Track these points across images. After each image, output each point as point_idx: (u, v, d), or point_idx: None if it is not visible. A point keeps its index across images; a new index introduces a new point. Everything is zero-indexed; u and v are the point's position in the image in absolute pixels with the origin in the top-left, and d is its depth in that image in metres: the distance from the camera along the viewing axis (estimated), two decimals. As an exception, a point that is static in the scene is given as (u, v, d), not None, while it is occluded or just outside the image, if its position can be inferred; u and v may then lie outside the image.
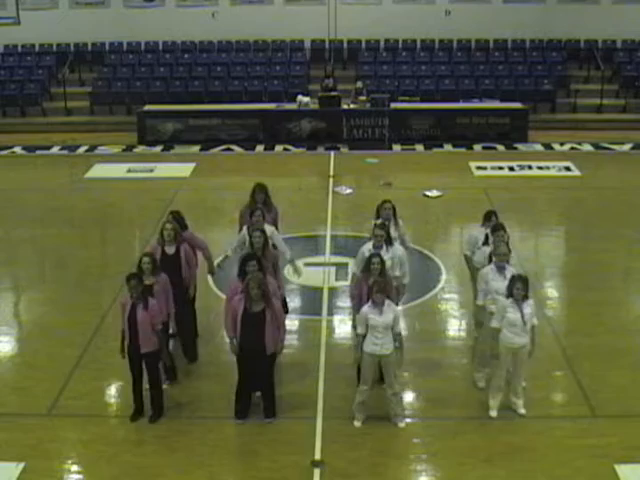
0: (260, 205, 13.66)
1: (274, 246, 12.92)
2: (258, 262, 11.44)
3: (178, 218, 13.03)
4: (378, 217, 13.36)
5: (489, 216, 13.22)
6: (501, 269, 11.79)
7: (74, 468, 10.52)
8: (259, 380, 11.28)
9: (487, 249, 12.51)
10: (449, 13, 31.04)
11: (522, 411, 11.42)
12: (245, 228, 13.17)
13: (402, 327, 11.02)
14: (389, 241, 12.41)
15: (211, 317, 14.60)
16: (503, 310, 11.05)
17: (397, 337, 11.05)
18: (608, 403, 11.71)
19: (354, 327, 11.94)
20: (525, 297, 11.04)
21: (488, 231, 12.78)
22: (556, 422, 11.37)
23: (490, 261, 12.10)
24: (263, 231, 12.42)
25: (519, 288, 10.98)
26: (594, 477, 10.17)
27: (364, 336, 10.93)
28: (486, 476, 10.25)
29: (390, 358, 11.01)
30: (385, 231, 12.41)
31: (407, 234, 13.79)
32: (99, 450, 10.77)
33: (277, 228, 13.95)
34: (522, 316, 10.98)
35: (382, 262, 11.51)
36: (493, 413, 11.41)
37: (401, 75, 30.07)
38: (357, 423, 11.26)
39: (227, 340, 11.48)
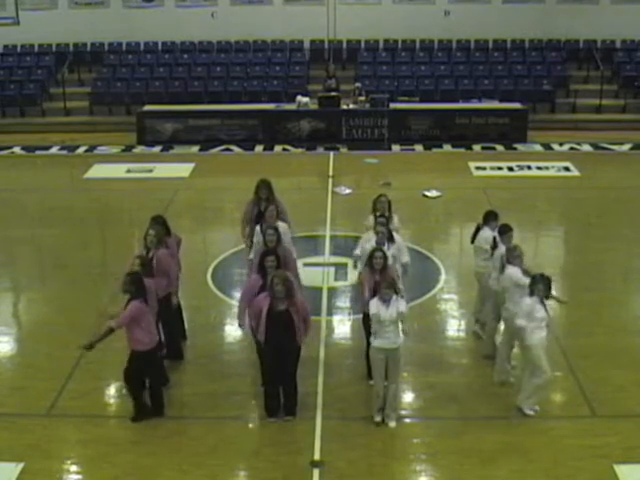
0: (265, 201, 13.75)
1: None
2: (276, 258, 11.60)
3: (161, 223, 13.00)
4: (374, 211, 13.42)
5: (494, 216, 13.24)
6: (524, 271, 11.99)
7: (73, 468, 10.51)
8: (284, 375, 11.32)
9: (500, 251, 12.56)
10: (448, 13, 31.04)
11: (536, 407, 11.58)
12: (258, 227, 13.25)
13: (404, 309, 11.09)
14: (391, 237, 12.54)
15: (211, 317, 14.63)
16: (532, 309, 11.10)
17: (401, 316, 11.05)
18: (607, 403, 11.72)
19: (365, 326, 12.02)
20: (547, 297, 11.17)
21: (496, 234, 12.81)
22: (555, 422, 11.39)
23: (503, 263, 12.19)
24: (276, 229, 12.54)
25: (541, 289, 11.06)
26: (593, 477, 10.16)
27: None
28: (486, 476, 10.25)
29: (397, 353, 11.07)
30: (387, 228, 12.53)
31: (400, 230, 13.82)
32: (98, 450, 10.77)
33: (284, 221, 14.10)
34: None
35: (385, 256, 11.60)
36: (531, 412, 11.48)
37: (400, 75, 30.05)
38: (377, 418, 11.28)
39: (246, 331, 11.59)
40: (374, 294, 11.23)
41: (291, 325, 11.00)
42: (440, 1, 31.15)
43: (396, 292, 11.09)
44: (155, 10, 31.38)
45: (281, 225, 13.23)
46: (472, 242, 13.45)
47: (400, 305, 10.97)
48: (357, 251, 13.07)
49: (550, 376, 11.41)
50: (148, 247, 12.37)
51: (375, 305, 10.97)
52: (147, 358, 11.19)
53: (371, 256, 11.71)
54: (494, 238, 12.78)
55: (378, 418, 11.30)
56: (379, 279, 11.36)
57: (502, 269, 12.09)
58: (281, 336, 11.00)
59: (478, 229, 13.29)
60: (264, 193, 13.99)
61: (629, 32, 30.96)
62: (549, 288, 11.12)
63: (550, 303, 11.50)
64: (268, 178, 14.45)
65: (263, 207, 13.73)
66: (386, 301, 10.91)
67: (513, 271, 11.91)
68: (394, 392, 11.27)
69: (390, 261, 12.00)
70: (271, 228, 12.52)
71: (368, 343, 11.57)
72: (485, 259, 13.04)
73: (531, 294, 11.13)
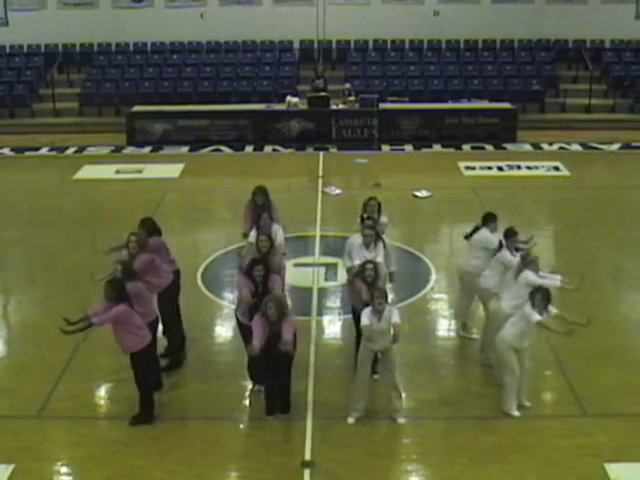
0: (260, 208, 13.80)
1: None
2: (265, 266, 11.69)
3: (148, 226, 12.97)
4: (364, 213, 13.43)
5: (493, 217, 13.24)
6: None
7: (64, 470, 10.50)
8: (280, 374, 11.36)
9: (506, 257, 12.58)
10: (438, 13, 31.08)
11: (528, 404, 11.62)
12: (254, 231, 13.27)
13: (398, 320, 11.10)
14: (378, 237, 12.59)
15: (201, 317, 14.60)
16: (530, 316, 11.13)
17: (394, 326, 11.03)
18: (598, 402, 11.75)
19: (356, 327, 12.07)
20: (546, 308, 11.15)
21: (501, 237, 12.80)
22: (546, 421, 11.41)
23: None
24: (269, 235, 12.62)
25: (539, 299, 11.05)
26: (584, 476, 10.19)
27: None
28: (477, 476, 10.26)
29: (389, 350, 11.12)
30: (374, 231, 12.55)
31: (387, 228, 13.84)
32: (89, 452, 10.75)
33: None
34: None
35: (376, 269, 11.62)
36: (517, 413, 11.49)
37: (390, 75, 30.09)
38: (350, 420, 11.31)
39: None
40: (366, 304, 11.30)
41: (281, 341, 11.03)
42: (429, 1, 31.20)
43: (387, 302, 11.15)
44: (144, 11, 31.36)
45: (276, 227, 13.42)
46: (466, 238, 13.42)
47: (394, 316, 11.00)
48: (348, 263, 12.94)
49: (519, 375, 11.40)
50: (131, 253, 12.36)
51: (368, 316, 10.97)
52: (142, 356, 11.16)
53: (362, 269, 11.74)
54: (500, 242, 12.77)
55: (351, 419, 11.31)
56: (370, 292, 11.35)
57: (518, 273, 12.05)
58: (275, 355, 11.03)
59: (476, 229, 13.28)
60: (260, 199, 14.07)
61: (618, 32, 31.05)
62: (547, 300, 11.08)
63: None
64: (264, 185, 14.43)
65: (259, 213, 13.78)
66: (379, 312, 10.92)
67: (530, 275, 11.90)
68: (393, 384, 11.27)
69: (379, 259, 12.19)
70: (264, 235, 12.58)
71: (357, 343, 11.61)
72: (477, 258, 13.07)
73: (532, 305, 11.09)
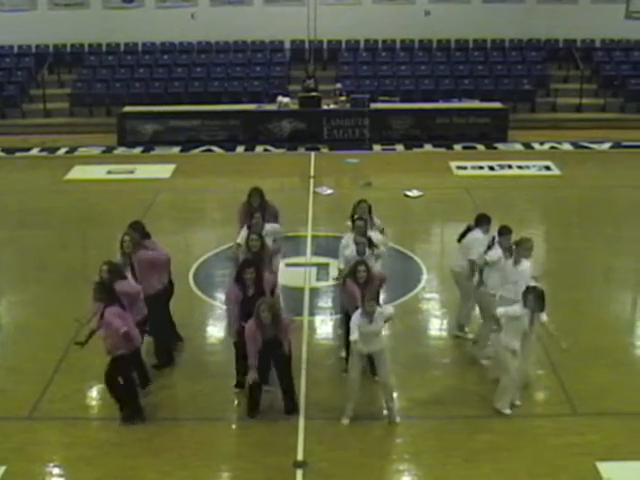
0: (256, 209, 13.81)
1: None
2: (256, 269, 11.67)
3: (138, 228, 12.98)
4: (353, 216, 13.41)
5: (487, 220, 13.26)
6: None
7: (56, 471, 10.48)
8: (280, 376, 11.47)
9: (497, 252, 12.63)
10: (429, 13, 31.08)
11: (518, 402, 11.64)
12: (244, 231, 13.29)
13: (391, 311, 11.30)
14: (371, 246, 12.58)
15: (193, 318, 14.59)
16: (515, 318, 11.15)
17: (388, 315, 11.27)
18: (589, 401, 11.78)
19: (345, 328, 12.15)
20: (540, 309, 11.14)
21: (495, 234, 12.81)
22: (538, 420, 11.44)
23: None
24: (260, 235, 12.63)
25: (531, 300, 11.05)
26: (576, 475, 10.21)
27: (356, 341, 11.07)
28: (469, 475, 10.28)
29: (381, 353, 11.15)
30: (367, 237, 12.58)
31: (385, 230, 13.87)
32: (81, 453, 10.73)
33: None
34: (530, 325, 11.18)
35: (368, 270, 11.64)
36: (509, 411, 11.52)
37: (381, 75, 30.11)
38: (345, 420, 11.31)
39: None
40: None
41: (280, 345, 11.12)
42: (420, 1, 31.19)
43: (378, 304, 11.20)
44: (135, 11, 31.29)
45: (270, 227, 13.46)
46: (458, 241, 13.43)
47: (386, 310, 11.13)
48: (342, 265, 12.95)
49: (515, 378, 11.40)
50: (126, 253, 12.37)
51: (358, 318, 10.99)
52: (125, 361, 11.13)
53: (354, 270, 11.75)
54: (493, 238, 12.79)
55: (346, 420, 11.32)
56: (362, 292, 11.40)
57: (516, 263, 12.15)
58: (270, 361, 11.22)
59: (468, 229, 13.28)
60: (256, 201, 14.07)
61: (608, 32, 31.10)
62: (541, 301, 11.07)
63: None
64: (259, 186, 14.48)
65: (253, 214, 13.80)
66: (370, 314, 10.95)
67: (527, 265, 12.03)
68: (385, 385, 11.30)
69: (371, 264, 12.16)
70: (254, 234, 12.59)
71: (348, 343, 11.62)
72: (466, 259, 13.08)
73: (524, 305, 11.12)
